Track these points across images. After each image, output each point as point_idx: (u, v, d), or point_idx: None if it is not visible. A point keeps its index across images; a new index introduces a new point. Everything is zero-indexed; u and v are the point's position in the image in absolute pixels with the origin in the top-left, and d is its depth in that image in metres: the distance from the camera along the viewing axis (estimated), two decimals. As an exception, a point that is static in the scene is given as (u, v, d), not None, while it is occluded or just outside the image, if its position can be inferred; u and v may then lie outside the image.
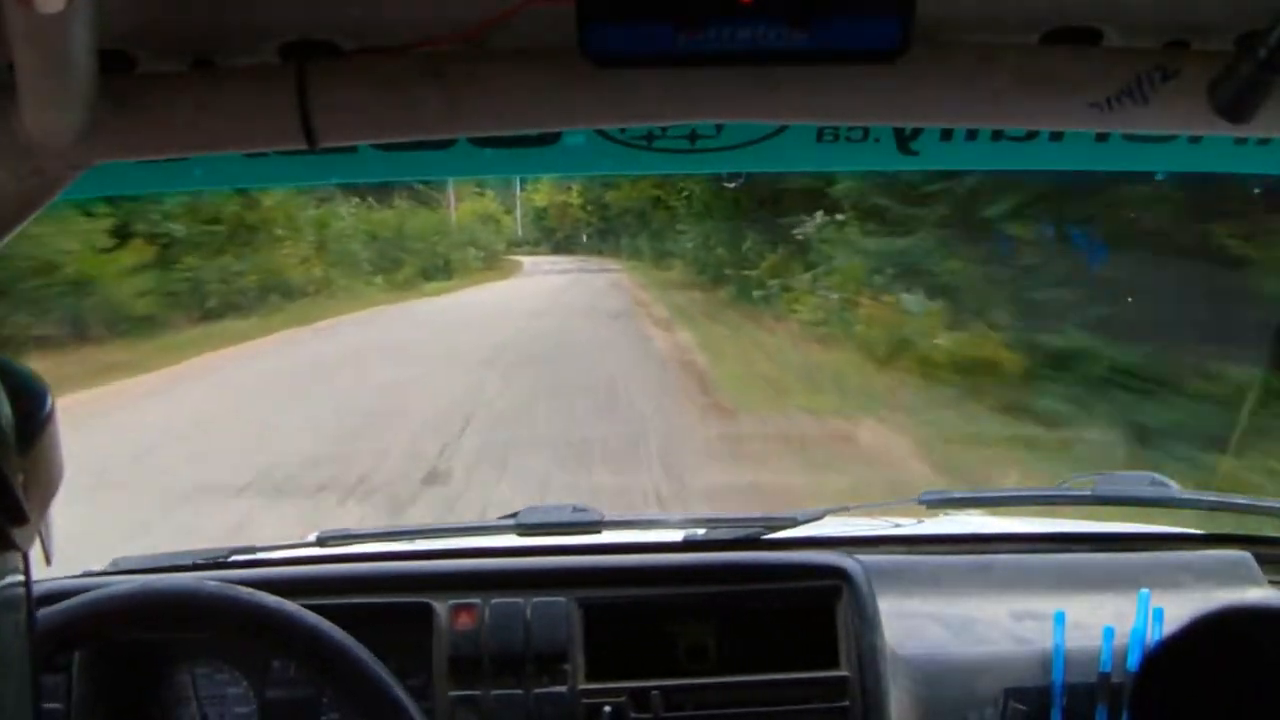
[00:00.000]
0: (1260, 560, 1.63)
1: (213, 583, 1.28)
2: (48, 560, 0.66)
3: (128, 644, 1.47)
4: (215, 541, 1.70)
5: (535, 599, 1.49)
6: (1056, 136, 1.20)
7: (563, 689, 1.46)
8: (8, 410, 0.58)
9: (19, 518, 0.58)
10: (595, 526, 1.67)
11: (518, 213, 43.22)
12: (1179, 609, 1.39)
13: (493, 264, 31.12)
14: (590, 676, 1.47)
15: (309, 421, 8.39)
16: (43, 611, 1.24)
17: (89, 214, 10.69)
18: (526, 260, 34.59)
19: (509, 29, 0.95)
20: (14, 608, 0.62)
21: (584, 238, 38.57)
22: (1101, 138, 1.20)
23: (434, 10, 0.95)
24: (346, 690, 1.25)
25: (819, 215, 12.37)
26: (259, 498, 6.06)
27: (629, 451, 7.27)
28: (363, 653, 1.23)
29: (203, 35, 0.97)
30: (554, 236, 41.96)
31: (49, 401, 0.62)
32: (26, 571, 0.63)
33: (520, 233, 42.73)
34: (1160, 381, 7.17)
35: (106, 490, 5.59)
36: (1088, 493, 1.68)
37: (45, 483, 0.62)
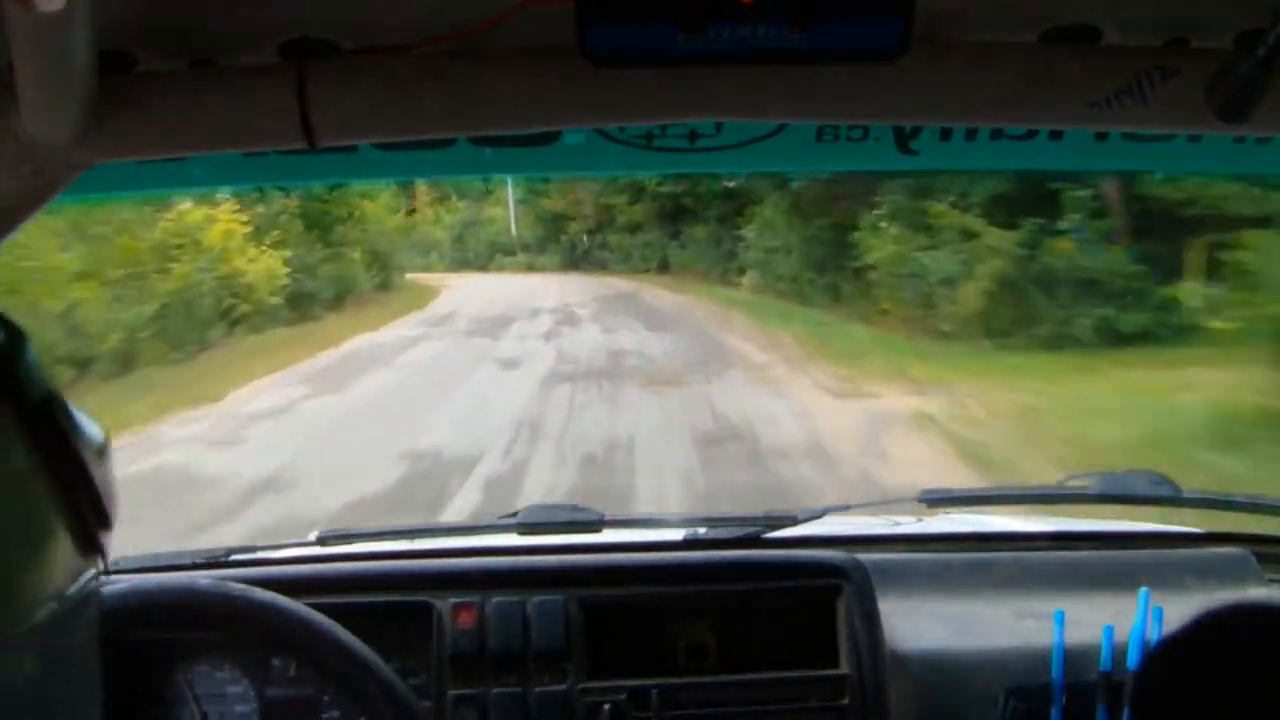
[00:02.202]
0: (1261, 559, 1.63)
1: (218, 582, 1.28)
2: (106, 571, 0.67)
3: (128, 642, 1.47)
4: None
5: (535, 598, 1.50)
6: (1056, 135, 1.20)
7: (563, 687, 1.46)
8: (95, 428, 0.62)
9: (106, 521, 0.62)
10: (595, 526, 1.67)
11: (510, 200, 26.25)
12: (1179, 608, 1.39)
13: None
14: (590, 675, 1.47)
15: None
16: None
17: None
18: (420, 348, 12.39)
19: (509, 29, 0.95)
20: (88, 611, 0.64)
21: (608, 240, 23.40)
22: (1101, 137, 1.20)
23: (434, 10, 0.95)
24: (349, 690, 1.25)
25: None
26: None
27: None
28: (366, 652, 1.23)
29: (202, 35, 0.97)
30: (564, 233, 25.60)
31: (106, 437, 0.66)
32: (100, 578, 0.65)
33: (515, 231, 27.75)
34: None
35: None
36: (1088, 491, 1.68)
37: (111, 502, 0.66)
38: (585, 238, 24.60)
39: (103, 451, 0.63)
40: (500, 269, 28.05)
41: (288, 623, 1.24)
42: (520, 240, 27.95)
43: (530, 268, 27.10)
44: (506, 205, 27.14)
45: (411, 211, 28.43)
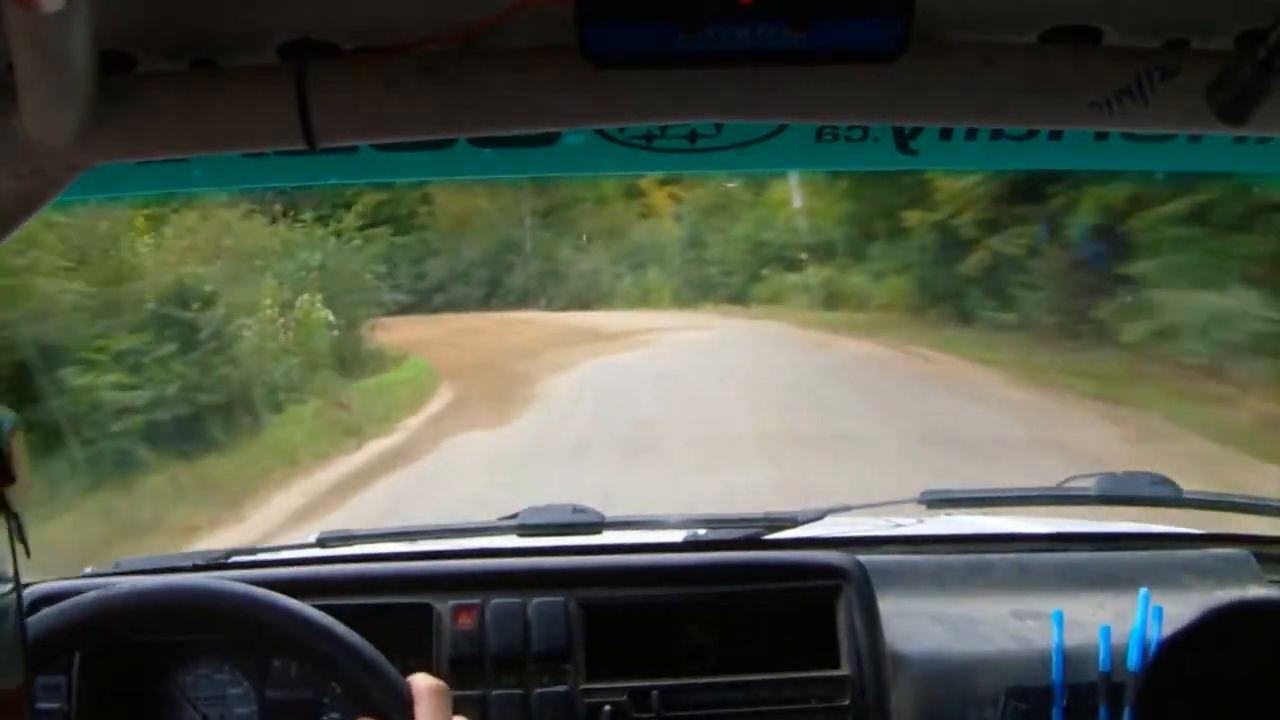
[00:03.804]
0: (1261, 559, 1.63)
1: (220, 582, 1.28)
2: (27, 551, 0.70)
3: (129, 644, 1.47)
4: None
5: (536, 599, 1.49)
6: (1056, 136, 1.20)
7: (563, 689, 1.46)
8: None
9: (7, 476, 0.66)
10: (595, 527, 1.67)
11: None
12: (1179, 608, 1.39)
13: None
14: (591, 676, 1.47)
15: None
16: (45, 611, 1.24)
17: None
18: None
19: (508, 29, 0.95)
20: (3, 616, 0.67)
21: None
22: (1101, 137, 1.20)
23: (434, 10, 0.95)
24: (357, 691, 1.24)
25: None
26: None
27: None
28: (374, 653, 1.23)
29: (203, 35, 0.97)
30: (916, 207, 10.25)
31: (12, 420, 0.69)
32: (17, 577, 0.66)
33: (800, 212, 12.93)
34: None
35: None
36: (1088, 492, 1.68)
37: (20, 480, 0.68)
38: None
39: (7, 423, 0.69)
40: (773, 300, 13.25)
41: (289, 621, 1.24)
42: (812, 238, 12.68)
43: (830, 301, 12.02)
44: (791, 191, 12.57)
45: (639, 196, 16.39)
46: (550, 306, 16.96)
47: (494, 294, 17.68)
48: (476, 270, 17.59)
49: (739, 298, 14.66)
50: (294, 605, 1.17)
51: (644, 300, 16.23)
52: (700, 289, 15.56)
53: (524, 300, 17.58)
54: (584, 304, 16.59)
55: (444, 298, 17.38)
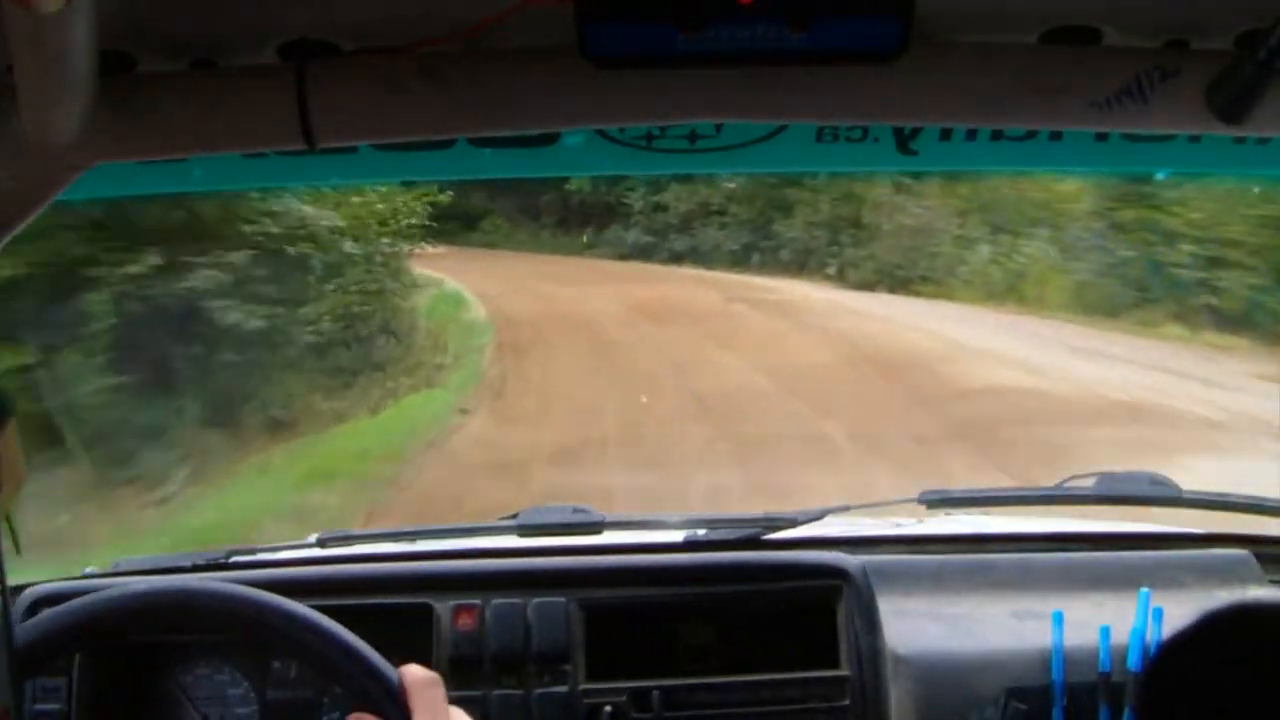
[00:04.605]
0: (1261, 559, 1.63)
1: (217, 583, 1.28)
2: (17, 549, 0.70)
3: (128, 645, 1.47)
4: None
5: (536, 599, 1.49)
6: (1056, 136, 1.20)
7: (564, 689, 1.46)
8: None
9: None
10: (595, 527, 1.67)
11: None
12: (1179, 608, 1.39)
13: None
14: (591, 677, 1.47)
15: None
16: (44, 613, 1.24)
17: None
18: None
19: (508, 29, 0.95)
20: None
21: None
22: (1101, 138, 1.20)
23: (433, 10, 0.95)
24: (349, 684, 1.24)
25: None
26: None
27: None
28: (371, 653, 1.23)
29: (202, 35, 0.97)
30: None
31: (10, 405, 0.68)
32: (2, 579, 0.66)
33: None
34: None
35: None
36: (1088, 492, 1.68)
37: (9, 475, 0.67)
38: None
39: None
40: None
41: (285, 621, 1.24)
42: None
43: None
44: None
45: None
46: (841, 278, 11.15)
47: (758, 246, 12.14)
48: (737, 209, 12.35)
49: (1242, 322, 7.56)
50: (288, 605, 1.16)
51: (1011, 291, 9.68)
52: (1136, 289, 8.51)
53: (803, 262, 11.67)
54: (898, 281, 10.60)
55: (688, 243, 12.44)
